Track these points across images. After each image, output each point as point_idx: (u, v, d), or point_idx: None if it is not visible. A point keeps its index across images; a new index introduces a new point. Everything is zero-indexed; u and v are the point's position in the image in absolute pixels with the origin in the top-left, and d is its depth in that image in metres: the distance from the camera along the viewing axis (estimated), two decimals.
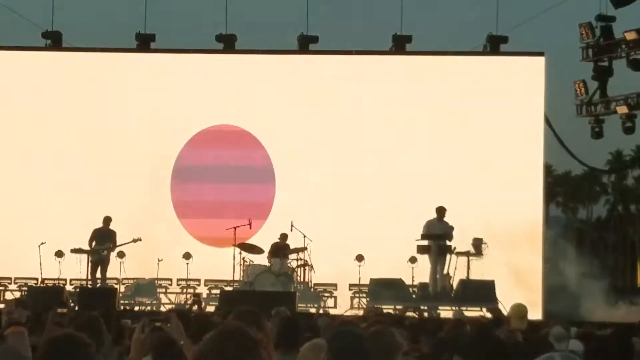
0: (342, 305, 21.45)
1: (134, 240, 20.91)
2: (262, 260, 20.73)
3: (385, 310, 19.07)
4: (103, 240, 21.18)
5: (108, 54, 24.51)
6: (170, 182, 23.77)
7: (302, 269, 20.96)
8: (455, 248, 20.67)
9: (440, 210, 20.77)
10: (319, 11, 26.12)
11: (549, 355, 6.84)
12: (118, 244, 21.19)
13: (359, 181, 23.35)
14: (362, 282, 21.54)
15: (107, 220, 21.46)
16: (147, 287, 21.76)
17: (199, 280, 22.28)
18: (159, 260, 21.70)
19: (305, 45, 24.45)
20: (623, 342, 7.36)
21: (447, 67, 23.92)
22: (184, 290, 22.15)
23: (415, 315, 19.36)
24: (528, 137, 23.36)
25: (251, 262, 20.68)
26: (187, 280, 22.14)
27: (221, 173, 23.69)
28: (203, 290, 22.24)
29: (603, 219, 76.59)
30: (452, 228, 20.59)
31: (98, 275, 21.12)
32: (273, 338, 6.04)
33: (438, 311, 20.23)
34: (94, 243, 21.14)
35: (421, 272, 21.15)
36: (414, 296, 20.98)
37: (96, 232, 21.31)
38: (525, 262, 22.44)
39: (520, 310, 10.76)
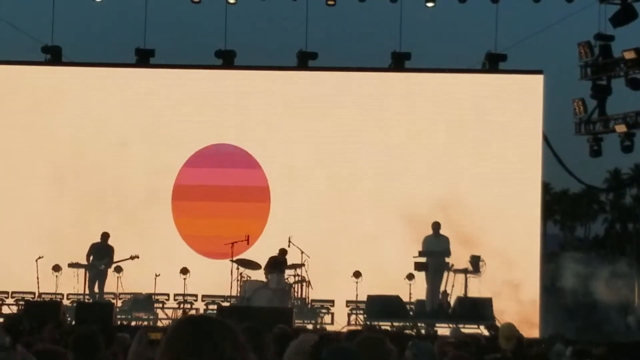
0: (339, 321, 21.43)
1: (132, 257, 20.94)
2: (259, 275, 20.72)
3: (382, 327, 19.06)
4: (101, 256, 21.22)
5: (107, 68, 24.57)
6: (171, 200, 23.75)
7: (300, 285, 20.95)
8: (452, 265, 20.67)
9: (435, 225, 20.86)
10: (318, 28, 26.12)
11: None
12: (116, 260, 21.21)
13: (357, 197, 23.35)
14: (359, 299, 21.52)
15: (105, 236, 21.52)
16: (144, 302, 21.72)
17: (196, 295, 22.25)
18: (156, 276, 21.68)
19: (305, 61, 24.48)
20: None
21: (446, 84, 23.95)
22: (181, 306, 22.13)
23: (412, 332, 19.32)
24: (526, 155, 23.38)
25: (248, 278, 20.66)
26: (184, 295, 22.12)
27: (219, 191, 23.71)
28: (200, 305, 22.21)
29: (601, 237, 76.57)
30: (447, 240, 20.68)
31: (96, 290, 21.13)
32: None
33: (435, 328, 20.21)
34: (91, 258, 21.17)
35: (418, 289, 21.14)
36: (411, 313, 20.96)
37: (94, 247, 21.35)
38: (523, 280, 22.45)
39: (508, 330, 10.69)
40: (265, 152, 23.79)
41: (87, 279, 20.95)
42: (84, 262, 21.08)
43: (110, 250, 21.29)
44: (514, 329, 10.73)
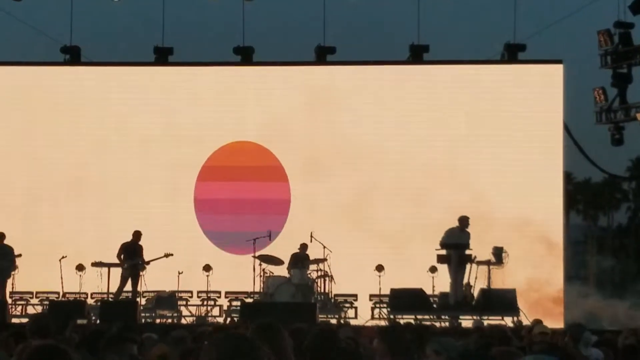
0: (363, 315, 21.41)
1: (166, 255, 20.88)
2: (282, 271, 20.73)
3: (405, 321, 19.03)
4: (132, 255, 21.01)
5: (126, 67, 24.63)
6: (194, 200, 23.79)
7: (322, 279, 20.94)
8: (475, 257, 20.59)
9: (463, 220, 20.67)
10: (336, 22, 26.09)
11: None
12: (150, 258, 21.01)
13: (378, 191, 23.31)
14: (382, 293, 21.49)
15: (137, 234, 21.32)
16: (167, 300, 21.74)
17: (219, 292, 22.28)
18: (179, 273, 21.72)
19: (323, 56, 24.46)
20: None
21: (464, 76, 23.88)
22: (205, 303, 22.17)
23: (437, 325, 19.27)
24: (547, 145, 23.29)
25: (271, 274, 20.68)
26: (207, 292, 22.15)
27: (240, 188, 23.76)
28: (224, 302, 22.23)
29: (624, 226, 76.18)
30: (469, 236, 20.54)
31: (128, 288, 21.00)
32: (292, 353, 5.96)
33: (459, 321, 20.16)
34: (122, 257, 21.00)
35: (442, 282, 21.09)
36: (434, 306, 20.91)
37: (124, 246, 21.16)
38: (547, 270, 22.38)
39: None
40: (285, 147, 23.78)
41: (121, 278, 20.83)
42: (107, 260, 20.97)
43: (141, 250, 21.10)
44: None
